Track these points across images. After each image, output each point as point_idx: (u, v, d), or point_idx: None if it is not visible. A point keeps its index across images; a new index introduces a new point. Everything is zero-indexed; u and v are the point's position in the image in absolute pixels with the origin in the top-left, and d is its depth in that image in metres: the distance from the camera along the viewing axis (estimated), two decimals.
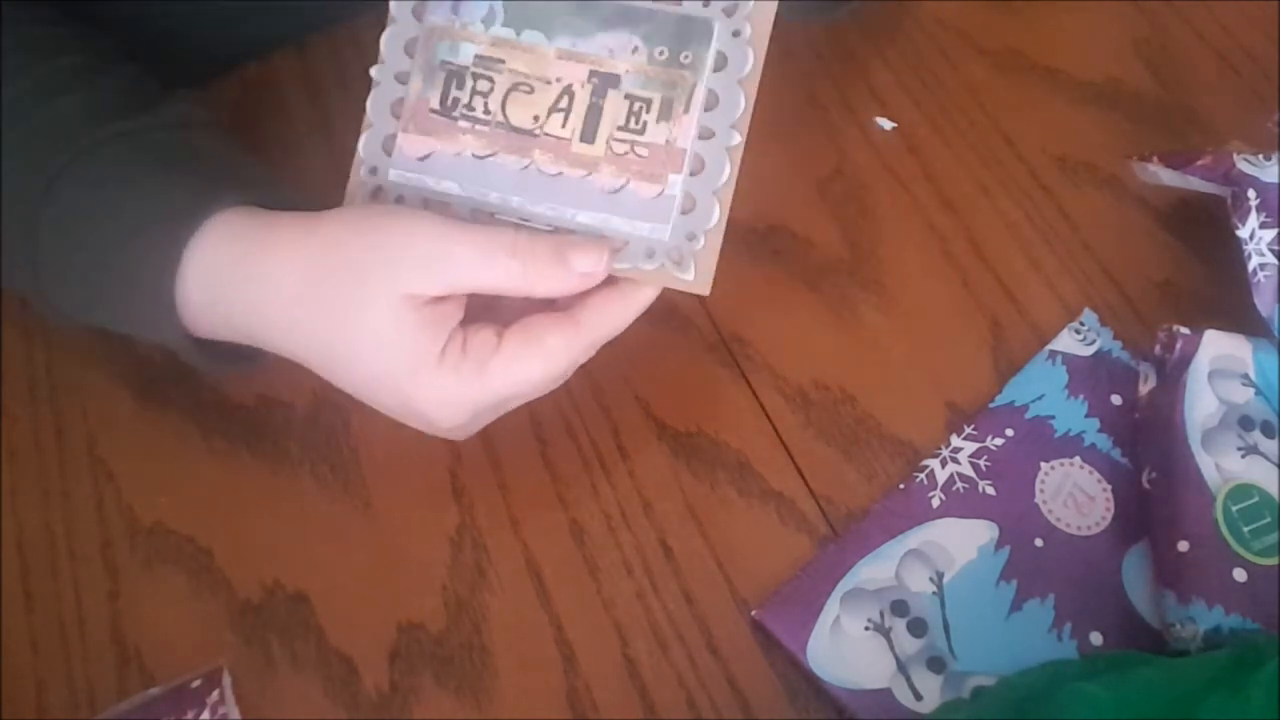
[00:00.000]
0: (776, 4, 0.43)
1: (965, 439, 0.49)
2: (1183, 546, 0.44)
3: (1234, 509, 0.45)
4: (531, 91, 0.44)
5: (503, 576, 0.48)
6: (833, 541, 0.48)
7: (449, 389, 0.42)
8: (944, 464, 0.49)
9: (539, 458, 0.50)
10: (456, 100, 0.45)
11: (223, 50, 0.61)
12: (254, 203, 0.44)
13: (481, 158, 0.45)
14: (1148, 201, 0.56)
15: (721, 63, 0.43)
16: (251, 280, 0.43)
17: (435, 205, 0.45)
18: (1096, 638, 0.45)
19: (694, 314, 0.54)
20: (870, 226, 0.56)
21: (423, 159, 0.45)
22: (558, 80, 0.44)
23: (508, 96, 0.45)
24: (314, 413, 0.52)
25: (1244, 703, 0.36)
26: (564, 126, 0.44)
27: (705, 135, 0.43)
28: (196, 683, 0.44)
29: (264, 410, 0.52)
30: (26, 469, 0.51)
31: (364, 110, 0.46)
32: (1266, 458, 0.46)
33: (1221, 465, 0.46)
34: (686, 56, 0.43)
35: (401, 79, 0.45)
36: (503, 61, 0.45)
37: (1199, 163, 0.51)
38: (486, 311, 0.44)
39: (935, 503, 0.48)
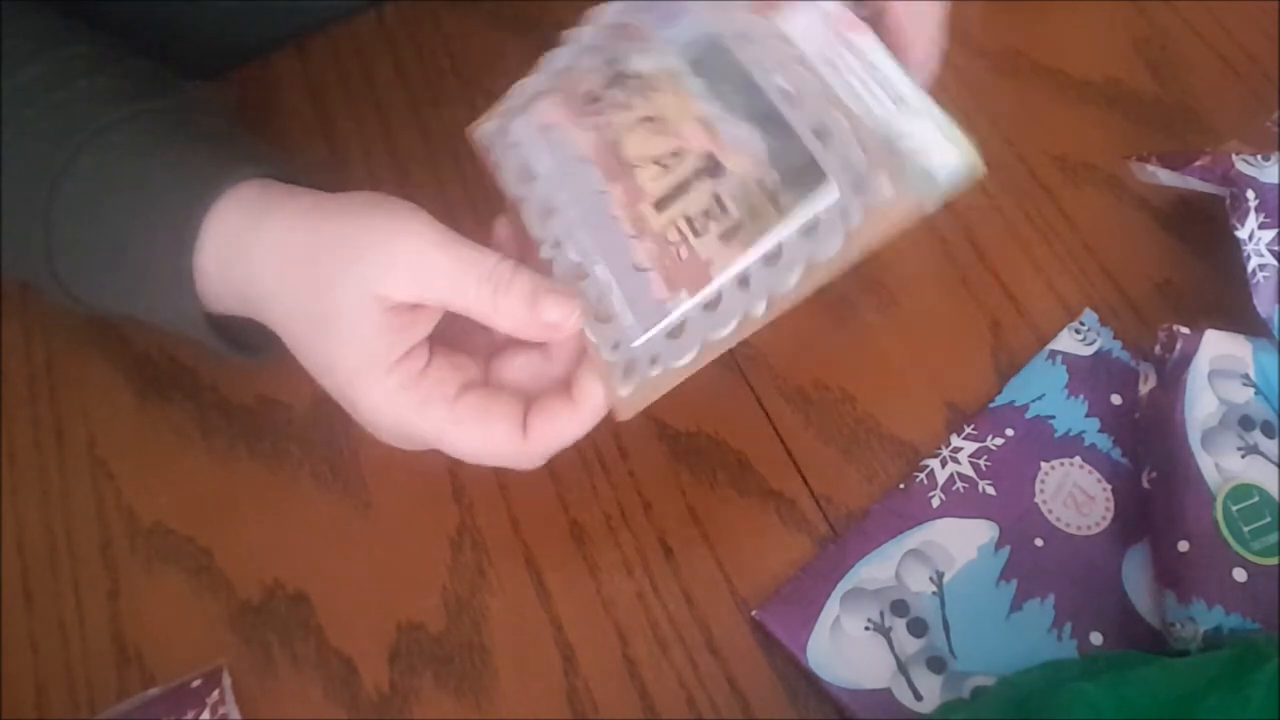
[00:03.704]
0: (900, 217, 0.36)
1: (965, 439, 0.49)
2: (1183, 546, 0.44)
3: (1234, 509, 0.45)
4: (655, 134, 0.42)
5: (503, 576, 0.48)
6: (833, 541, 0.48)
7: (386, 400, 0.42)
8: (944, 464, 0.49)
9: None
10: (600, 99, 0.43)
11: (223, 50, 0.61)
12: (268, 176, 0.45)
13: (582, 161, 0.43)
14: (1148, 201, 0.56)
15: (810, 230, 0.38)
16: (254, 248, 0.43)
17: (515, 191, 0.44)
18: (1096, 638, 0.45)
19: None
20: None
21: (543, 129, 0.44)
22: (679, 138, 0.41)
23: (636, 127, 0.43)
24: (314, 413, 0.52)
25: (1244, 703, 0.36)
26: (652, 182, 0.41)
27: (741, 282, 0.39)
28: (196, 683, 0.44)
29: (264, 410, 0.52)
30: (26, 469, 0.51)
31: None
32: (1266, 458, 0.46)
33: (1221, 465, 0.46)
34: (786, 200, 0.38)
35: (583, 51, 0.44)
36: (656, 91, 0.42)
37: (1198, 163, 0.51)
38: (464, 338, 0.44)
39: (935, 502, 0.48)
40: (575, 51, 0.44)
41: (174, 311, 0.45)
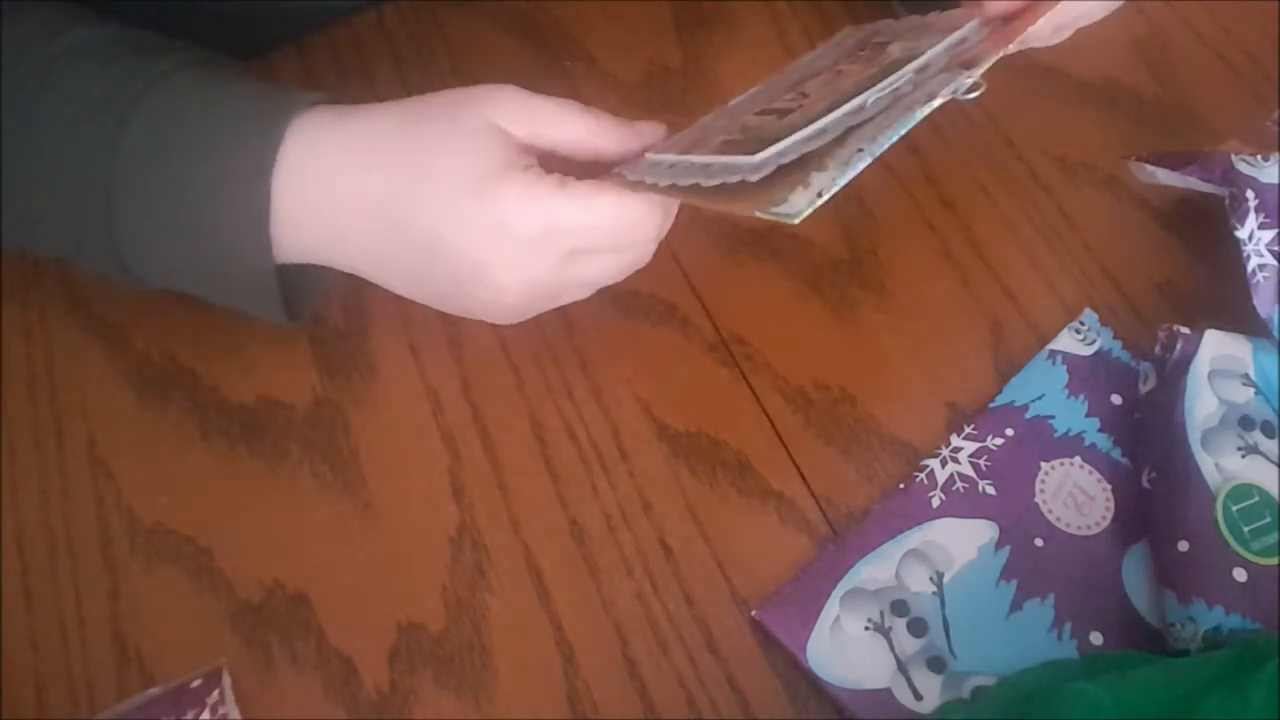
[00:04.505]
0: (747, 201, 0.42)
1: (965, 439, 0.49)
2: (1183, 546, 0.44)
3: (1234, 509, 0.45)
4: (824, 84, 0.47)
5: (503, 576, 0.48)
6: (833, 541, 0.48)
7: (531, 188, 0.44)
8: (944, 464, 0.49)
9: (539, 458, 0.50)
10: (858, 53, 0.50)
11: (223, 50, 0.61)
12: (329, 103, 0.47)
13: (794, 71, 0.51)
14: (1148, 201, 0.56)
15: (725, 168, 0.44)
16: (350, 131, 0.45)
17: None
18: (1096, 638, 0.45)
19: (694, 314, 0.54)
20: (869, 226, 0.56)
21: (837, 46, 0.53)
22: (816, 91, 0.47)
23: (826, 73, 0.49)
24: (314, 413, 0.52)
25: (1244, 703, 0.36)
26: (776, 102, 0.47)
27: (692, 165, 0.45)
28: (196, 683, 0.44)
29: (264, 410, 0.52)
30: (26, 469, 0.51)
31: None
32: (1266, 458, 0.46)
33: (1221, 465, 0.46)
34: (748, 150, 0.44)
35: (894, 25, 0.52)
36: (867, 66, 0.47)
37: (1197, 163, 0.51)
38: None
39: (935, 502, 0.48)
40: (896, 23, 0.53)
41: (240, 250, 0.45)
